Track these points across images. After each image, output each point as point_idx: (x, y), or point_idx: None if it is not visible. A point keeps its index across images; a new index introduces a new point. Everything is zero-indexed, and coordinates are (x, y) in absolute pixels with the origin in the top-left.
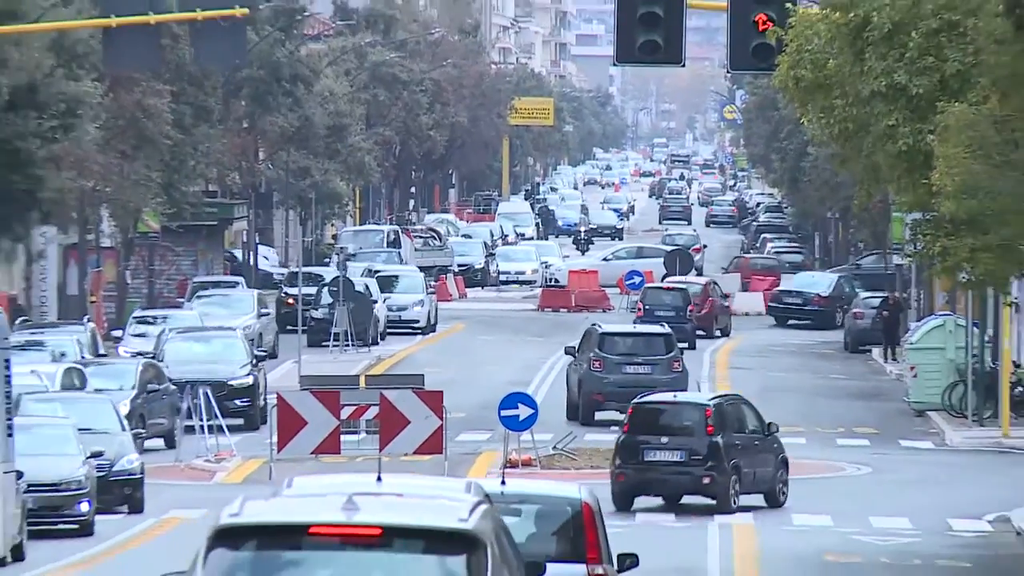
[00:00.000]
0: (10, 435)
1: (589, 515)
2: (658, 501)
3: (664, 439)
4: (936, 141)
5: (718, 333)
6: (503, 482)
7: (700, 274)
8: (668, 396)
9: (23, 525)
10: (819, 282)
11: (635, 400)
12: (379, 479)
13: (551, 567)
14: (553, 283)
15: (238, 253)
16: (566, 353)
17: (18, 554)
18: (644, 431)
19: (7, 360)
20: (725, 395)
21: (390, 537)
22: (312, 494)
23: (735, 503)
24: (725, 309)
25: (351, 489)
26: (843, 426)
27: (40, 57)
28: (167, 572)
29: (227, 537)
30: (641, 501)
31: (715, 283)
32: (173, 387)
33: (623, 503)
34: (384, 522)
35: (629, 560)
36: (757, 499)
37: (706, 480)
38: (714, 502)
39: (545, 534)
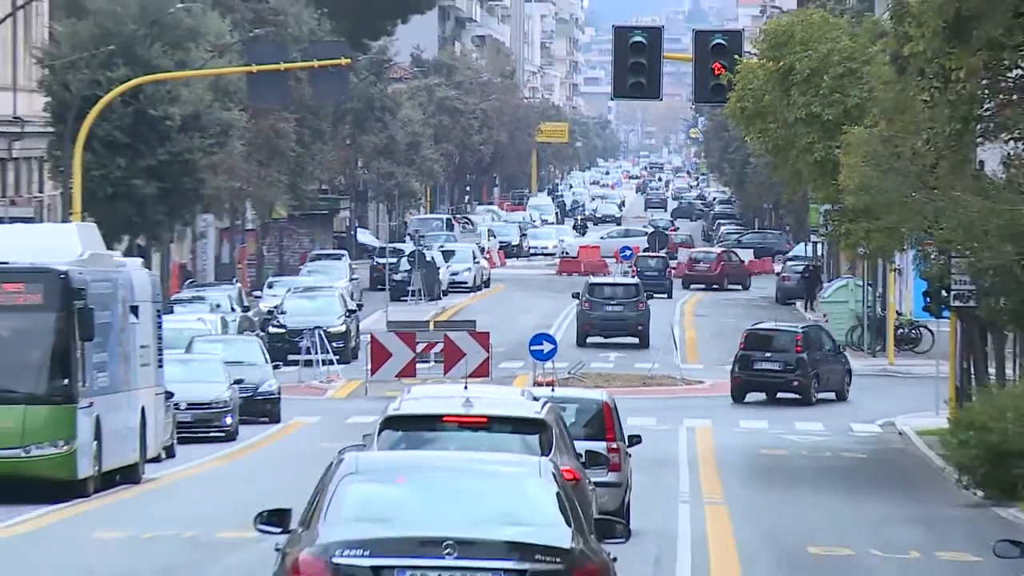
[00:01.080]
0: (160, 366)
1: (608, 410)
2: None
3: (768, 354)
4: (841, 154)
5: (738, 287)
6: (553, 389)
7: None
8: (772, 325)
9: (173, 432)
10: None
11: (748, 327)
12: (465, 387)
13: (585, 444)
14: (567, 255)
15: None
16: (572, 297)
17: (170, 453)
18: (754, 348)
19: (159, 311)
20: (810, 325)
21: (492, 423)
22: (434, 396)
23: (815, 398)
24: (740, 269)
25: (451, 394)
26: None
27: (202, 94)
28: (348, 444)
29: (392, 422)
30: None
31: (731, 251)
32: (263, 334)
33: (739, 398)
34: (488, 413)
35: (635, 439)
36: (830, 395)
37: (795, 383)
38: (800, 397)
39: (580, 423)
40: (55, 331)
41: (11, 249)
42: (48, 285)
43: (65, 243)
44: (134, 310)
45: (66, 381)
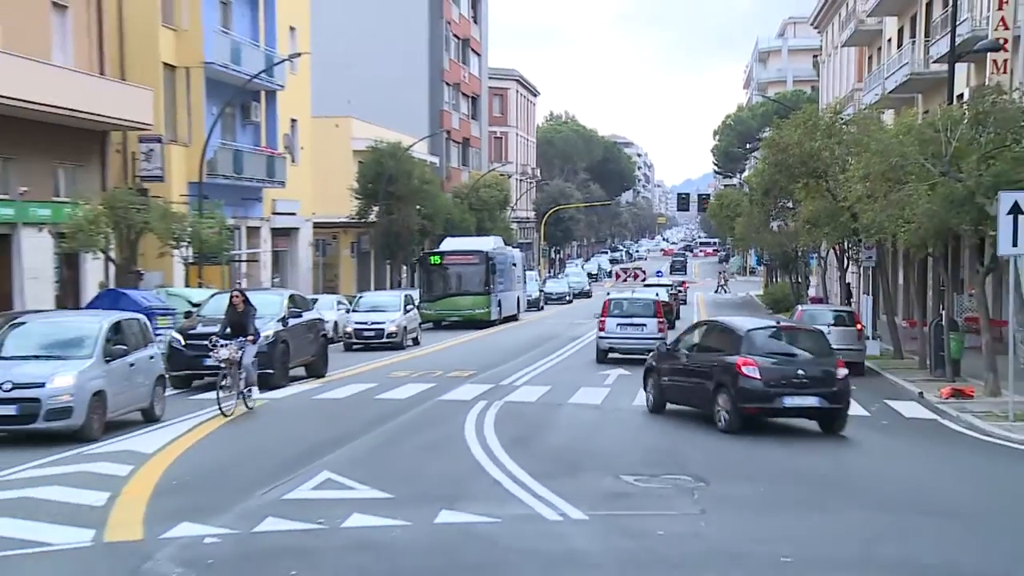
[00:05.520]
0: (524, 283)
1: (685, 283)
2: None
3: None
4: (735, 231)
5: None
6: (684, 285)
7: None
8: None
9: (542, 301)
10: None
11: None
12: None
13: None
14: (665, 250)
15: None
16: (671, 257)
17: (538, 308)
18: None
19: (525, 267)
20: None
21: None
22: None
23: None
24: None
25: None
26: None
27: (574, 210)
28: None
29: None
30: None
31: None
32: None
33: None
34: (651, 285)
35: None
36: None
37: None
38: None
39: (675, 287)
40: (484, 272)
41: (473, 244)
42: (481, 256)
43: (488, 243)
44: (514, 265)
45: (487, 287)
